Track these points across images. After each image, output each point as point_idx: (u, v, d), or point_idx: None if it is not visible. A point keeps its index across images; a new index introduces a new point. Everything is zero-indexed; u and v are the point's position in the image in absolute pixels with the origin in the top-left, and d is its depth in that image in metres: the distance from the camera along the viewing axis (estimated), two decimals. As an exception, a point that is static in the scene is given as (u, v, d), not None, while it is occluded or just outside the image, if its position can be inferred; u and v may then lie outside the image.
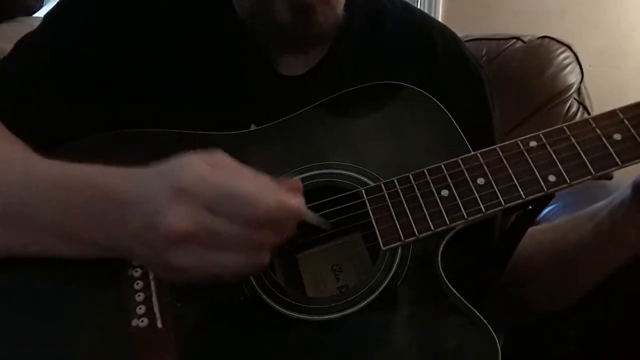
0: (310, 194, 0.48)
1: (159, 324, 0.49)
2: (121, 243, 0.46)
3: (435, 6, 1.78)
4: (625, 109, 0.52)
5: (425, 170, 0.52)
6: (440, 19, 1.74)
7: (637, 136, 0.51)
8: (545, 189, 0.50)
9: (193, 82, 0.62)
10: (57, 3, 0.67)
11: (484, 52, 1.21)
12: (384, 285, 0.49)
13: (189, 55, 0.62)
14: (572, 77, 1.17)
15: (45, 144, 0.55)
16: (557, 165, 0.50)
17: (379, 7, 0.67)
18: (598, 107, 1.14)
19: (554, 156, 0.51)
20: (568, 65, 1.17)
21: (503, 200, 0.50)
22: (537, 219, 0.59)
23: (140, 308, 0.50)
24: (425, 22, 0.71)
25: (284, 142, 0.58)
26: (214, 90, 0.62)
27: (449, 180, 0.51)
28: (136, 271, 0.52)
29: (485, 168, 0.51)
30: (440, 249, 0.50)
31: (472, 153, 0.53)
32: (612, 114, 0.52)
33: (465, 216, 0.50)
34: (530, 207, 0.54)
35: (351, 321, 0.48)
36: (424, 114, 0.58)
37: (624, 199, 0.55)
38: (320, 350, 0.48)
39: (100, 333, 0.50)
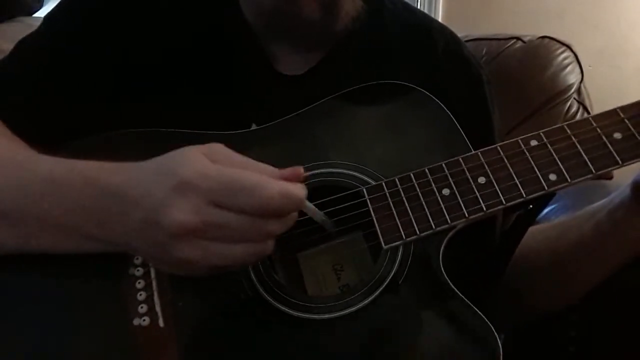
0: (311, 193, 0.48)
1: (161, 323, 0.50)
2: (123, 238, 0.47)
3: (435, 6, 1.78)
4: (625, 108, 0.52)
5: (426, 169, 0.52)
6: (440, 19, 1.74)
7: (637, 135, 0.51)
8: (546, 188, 0.50)
9: (194, 82, 0.62)
10: (58, 3, 0.67)
11: (484, 52, 1.21)
12: (386, 284, 0.49)
13: (189, 55, 0.62)
14: (572, 77, 1.17)
15: (46, 143, 0.55)
16: (558, 164, 0.51)
17: (379, 7, 0.67)
18: (598, 107, 1.15)
19: (554, 155, 0.51)
20: (568, 65, 1.17)
21: (504, 199, 0.50)
22: (537, 218, 0.59)
23: (142, 307, 0.50)
24: (426, 22, 0.71)
25: (285, 141, 0.58)
26: (214, 90, 0.62)
27: (449, 179, 0.51)
28: (138, 270, 0.52)
29: (486, 167, 0.51)
30: (442, 247, 0.50)
31: (473, 152, 0.53)
32: (612, 113, 0.52)
33: (467, 215, 0.50)
34: (531, 206, 0.54)
35: (352, 320, 0.48)
36: (425, 114, 0.58)
37: (623, 199, 0.55)
38: (322, 349, 0.48)
39: (102, 332, 0.50)
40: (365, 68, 0.65)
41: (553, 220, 0.90)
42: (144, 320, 0.50)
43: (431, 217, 0.50)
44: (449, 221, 0.50)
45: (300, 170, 0.46)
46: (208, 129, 0.58)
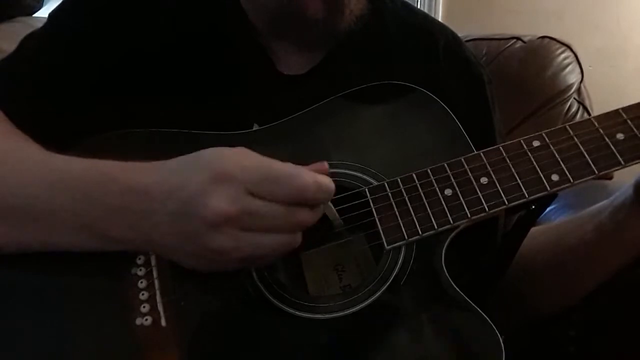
0: None
1: (163, 323, 0.50)
2: (147, 235, 0.47)
3: (435, 6, 1.78)
4: (628, 109, 0.52)
5: (429, 170, 0.52)
6: (440, 19, 1.74)
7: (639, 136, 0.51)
8: (549, 189, 0.50)
9: (196, 82, 0.62)
10: (62, 1, 0.67)
11: (484, 52, 1.21)
12: (388, 284, 0.49)
13: (192, 54, 0.62)
14: (572, 77, 1.17)
15: (50, 141, 0.55)
16: (560, 165, 0.51)
17: (380, 7, 0.67)
18: (598, 107, 1.15)
19: (556, 156, 0.51)
20: (568, 65, 1.17)
21: (506, 199, 0.50)
22: (538, 218, 0.59)
23: (144, 306, 0.50)
24: (427, 22, 0.71)
25: (287, 142, 0.58)
26: (216, 90, 0.62)
27: (452, 179, 0.51)
28: (140, 269, 0.52)
29: (489, 167, 0.52)
30: (444, 248, 0.50)
31: (475, 153, 0.53)
32: (614, 113, 0.52)
33: (469, 215, 0.50)
34: (533, 207, 0.54)
35: (354, 320, 0.48)
36: (427, 114, 0.58)
37: (625, 200, 0.55)
38: (324, 349, 0.48)
39: (105, 331, 0.50)
40: (366, 68, 0.65)
41: (553, 221, 0.90)
42: (146, 319, 0.50)
43: (433, 217, 0.50)
44: (451, 221, 0.50)
45: (325, 165, 0.48)
46: (210, 129, 0.58)
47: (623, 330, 0.65)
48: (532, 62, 1.18)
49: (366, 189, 0.53)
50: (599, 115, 0.53)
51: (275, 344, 0.49)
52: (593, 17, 1.76)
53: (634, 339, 0.64)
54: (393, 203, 0.51)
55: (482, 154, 0.52)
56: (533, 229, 0.60)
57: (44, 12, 1.37)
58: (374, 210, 0.51)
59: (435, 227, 0.50)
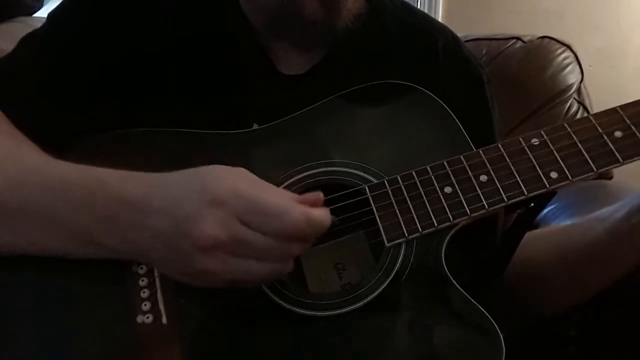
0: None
1: (164, 320, 0.50)
2: (136, 246, 0.48)
3: (435, 6, 1.78)
4: (625, 107, 0.53)
5: (428, 168, 0.52)
6: (440, 19, 1.74)
7: (637, 133, 0.51)
8: (548, 186, 0.50)
9: (195, 81, 0.62)
10: (62, 1, 0.67)
11: (484, 52, 1.22)
12: (388, 281, 0.50)
13: (192, 54, 0.62)
14: (572, 77, 1.17)
15: (49, 142, 0.55)
16: (559, 162, 0.51)
17: (380, 7, 0.68)
18: (598, 107, 1.15)
19: (555, 153, 0.51)
20: (568, 65, 1.18)
21: (505, 196, 0.50)
22: (538, 219, 0.59)
23: (145, 305, 0.50)
24: (426, 22, 0.71)
25: (287, 141, 0.58)
26: (216, 90, 0.62)
27: (452, 177, 0.52)
28: (141, 268, 0.52)
29: (488, 165, 0.52)
30: (444, 245, 0.50)
31: (475, 150, 0.53)
32: (612, 111, 0.53)
33: (469, 212, 0.50)
34: (532, 205, 0.54)
35: (355, 317, 0.49)
36: (427, 113, 0.58)
37: None
38: (325, 346, 0.48)
39: (106, 330, 0.50)
40: (365, 67, 0.65)
41: (553, 222, 0.90)
42: (147, 317, 0.50)
43: (433, 214, 0.50)
44: (451, 219, 0.50)
45: (320, 195, 0.48)
46: (209, 129, 0.58)
47: (623, 330, 0.65)
48: (532, 62, 1.18)
49: (366, 187, 0.53)
50: (597, 113, 0.53)
51: (275, 341, 0.49)
52: (593, 17, 1.76)
53: (634, 339, 0.64)
54: (393, 201, 0.51)
55: (481, 151, 0.53)
56: (539, 231, 0.60)
57: (44, 12, 1.37)
58: (374, 207, 0.52)
59: (435, 224, 0.50)
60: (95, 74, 0.61)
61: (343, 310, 0.49)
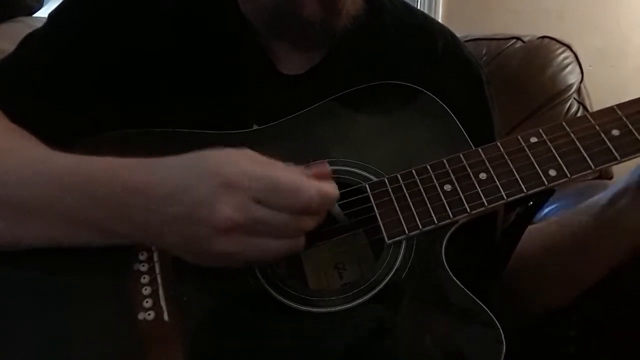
0: None
1: (166, 317, 0.50)
2: (151, 232, 0.48)
3: (435, 6, 1.78)
4: (622, 106, 0.53)
5: (428, 166, 0.53)
6: (440, 19, 1.74)
7: (634, 131, 0.51)
8: (546, 183, 0.51)
9: (195, 81, 0.62)
10: (62, 2, 0.67)
11: (484, 52, 1.22)
12: (389, 278, 0.50)
13: (191, 54, 0.63)
14: (572, 77, 1.17)
15: (49, 142, 0.55)
16: (558, 160, 0.51)
17: (379, 7, 0.68)
18: (598, 107, 1.13)
19: (554, 151, 0.52)
20: (568, 65, 1.18)
21: (505, 194, 0.51)
22: (537, 219, 0.59)
23: (147, 301, 0.51)
24: (426, 22, 0.71)
25: (287, 141, 0.58)
26: (216, 90, 0.62)
27: (451, 175, 0.52)
28: (143, 265, 0.52)
29: (487, 163, 0.52)
30: (444, 243, 0.51)
31: (474, 149, 0.54)
32: (610, 110, 0.53)
33: (468, 210, 0.50)
34: (531, 203, 0.55)
35: (355, 314, 0.49)
36: (426, 113, 0.58)
37: (628, 185, 0.55)
38: (325, 342, 0.49)
39: (107, 327, 0.50)
40: (365, 67, 0.65)
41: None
42: (149, 314, 0.50)
43: (433, 211, 0.51)
44: (451, 216, 0.50)
45: (326, 166, 0.49)
46: (209, 129, 0.58)
47: (623, 330, 0.65)
48: (532, 62, 1.18)
49: (367, 185, 0.53)
50: (594, 112, 0.54)
51: (276, 337, 0.49)
52: (593, 17, 1.76)
53: (634, 339, 0.64)
54: (393, 198, 0.52)
55: (480, 150, 0.53)
56: (530, 228, 0.61)
57: (44, 12, 1.37)
58: (374, 205, 0.52)
59: (435, 221, 0.50)
60: (94, 74, 0.62)
61: (343, 307, 0.49)
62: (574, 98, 1.17)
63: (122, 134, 0.58)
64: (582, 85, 1.18)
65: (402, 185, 0.52)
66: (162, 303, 0.51)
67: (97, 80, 0.61)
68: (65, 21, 0.65)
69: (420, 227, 0.50)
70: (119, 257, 0.52)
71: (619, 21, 1.77)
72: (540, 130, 0.53)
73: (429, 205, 0.51)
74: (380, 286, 0.50)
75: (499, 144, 0.53)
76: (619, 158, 0.51)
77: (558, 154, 0.52)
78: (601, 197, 0.58)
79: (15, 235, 0.52)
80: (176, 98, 0.61)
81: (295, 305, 0.50)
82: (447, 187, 0.52)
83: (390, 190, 0.52)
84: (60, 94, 0.61)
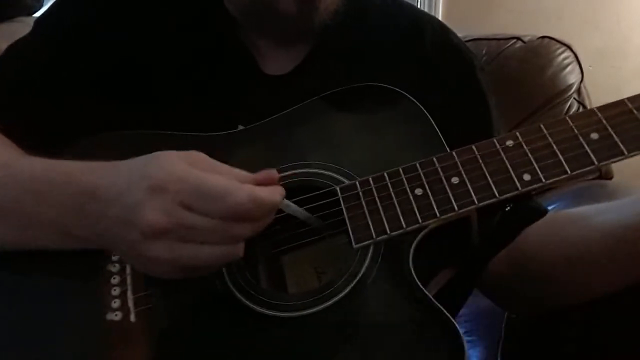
0: (288, 193, 0.48)
1: (132, 318, 0.50)
2: (99, 235, 0.48)
3: (435, 6, 1.77)
4: (603, 108, 0.51)
5: (400, 169, 0.52)
6: (440, 19, 1.73)
7: (614, 135, 0.50)
8: (520, 188, 0.49)
9: (180, 82, 0.62)
10: (48, 7, 0.67)
11: (484, 52, 1.21)
12: (354, 283, 0.49)
13: (175, 54, 0.63)
14: (572, 77, 1.16)
15: (35, 145, 0.55)
16: (532, 164, 0.50)
17: (364, 2, 0.67)
18: (598, 107, 1.13)
19: (529, 155, 0.50)
20: (568, 65, 1.17)
21: (476, 198, 0.50)
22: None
23: (115, 302, 0.51)
24: (412, 14, 0.70)
25: (268, 142, 0.58)
26: (201, 91, 0.62)
27: (423, 179, 0.51)
28: (114, 266, 0.53)
29: (460, 167, 0.51)
30: (412, 248, 0.50)
31: (448, 152, 0.53)
32: (590, 113, 0.52)
33: (438, 215, 0.49)
34: (508, 207, 0.53)
35: (320, 318, 0.48)
36: (402, 115, 0.57)
37: None
38: (289, 346, 0.48)
39: (76, 326, 0.51)
40: (349, 64, 0.64)
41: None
42: (116, 315, 0.50)
43: (402, 216, 0.50)
44: (420, 221, 0.49)
45: (273, 173, 0.47)
46: (195, 130, 0.58)
47: (623, 329, 0.64)
48: (532, 62, 1.17)
49: (337, 188, 0.53)
50: (574, 115, 0.52)
51: (241, 341, 0.49)
52: (593, 17, 1.75)
53: (634, 339, 0.63)
54: (363, 202, 0.51)
55: (454, 153, 0.52)
56: (578, 212, 0.56)
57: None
58: (344, 208, 0.51)
59: (404, 226, 0.49)
60: (79, 77, 0.62)
61: (308, 311, 0.48)
62: (574, 98, 1.16)
63: (104, 136, 0.59)
64: (582, 85, 1.17)
65: (373, 188, 0.52)
66: (130, 304, 0.51)
67: (81, 82, 0.61)
68: (54, 25, 0.66)
69: (389, 231, 0.49)
70: (94, 257, 0.52)
71: (619, 21, 1.75)
72: (517, 134, 0.52)
73: (398, 209, 0.50)
74: (344, 292, 0.49)
75: (473, 147, 0.52)
76: (596, 162, 0.49)
77: (534, 157, 0.50)
78: None
79: None
80: (161, 99, 0.61)
81: (261, 309, 0.49)
82: (418, 191, 0.51)
83: (360, 193, 0.52)
84: (47, 97, 0.62)
